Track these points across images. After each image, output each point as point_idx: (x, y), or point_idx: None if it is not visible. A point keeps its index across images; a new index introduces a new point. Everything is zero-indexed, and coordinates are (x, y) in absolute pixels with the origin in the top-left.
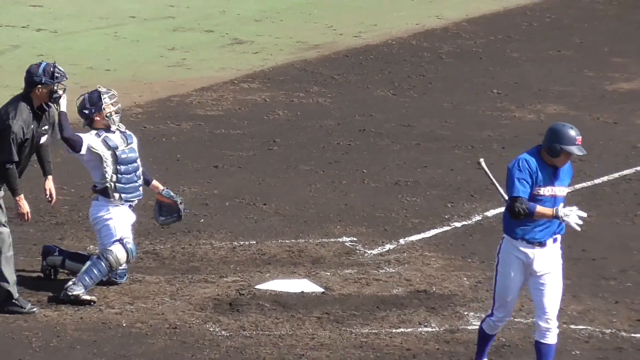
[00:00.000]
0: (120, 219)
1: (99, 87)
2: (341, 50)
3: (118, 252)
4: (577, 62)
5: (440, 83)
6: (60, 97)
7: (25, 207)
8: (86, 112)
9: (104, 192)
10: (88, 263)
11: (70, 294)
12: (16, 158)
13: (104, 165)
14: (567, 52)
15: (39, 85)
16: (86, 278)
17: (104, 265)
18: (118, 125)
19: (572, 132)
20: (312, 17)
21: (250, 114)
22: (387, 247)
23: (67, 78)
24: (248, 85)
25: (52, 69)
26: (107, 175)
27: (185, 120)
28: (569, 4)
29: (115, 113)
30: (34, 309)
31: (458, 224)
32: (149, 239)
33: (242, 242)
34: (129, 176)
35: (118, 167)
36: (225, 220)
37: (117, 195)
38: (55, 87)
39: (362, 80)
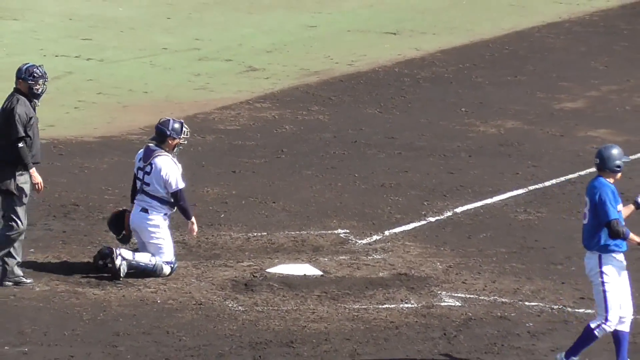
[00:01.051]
0: (170, 237)
1: (183, 122)
2: (337, 76)
3: (166, 271)
4: (530, 86)
5: (418, 103)
6: (40, 94)
7: (37, 177)
8: (167, 132)
9: (168, 209)
10: (144, 260)
11: (119, 265)
12: (22, 133)
13: None
14: (522, 77)
15: (20, 80)
16: (134, 265)
17: (151, 269)
18: (176, 154)
19: (617, 149)
20: (313, 49)
21: (262, 128)
22: (375, 237)
23: (46, 79)
24: (260, 104)
25: (32, 70)
26: None
27: (208, 133)
28: (524, 38)
29: (180, 147)
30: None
31: (432, 219)
32: (179, 231)
33: (255, 234)
34: None
35: None
36: (241, 216)
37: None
38: (33, 84)
39: (354, 101)
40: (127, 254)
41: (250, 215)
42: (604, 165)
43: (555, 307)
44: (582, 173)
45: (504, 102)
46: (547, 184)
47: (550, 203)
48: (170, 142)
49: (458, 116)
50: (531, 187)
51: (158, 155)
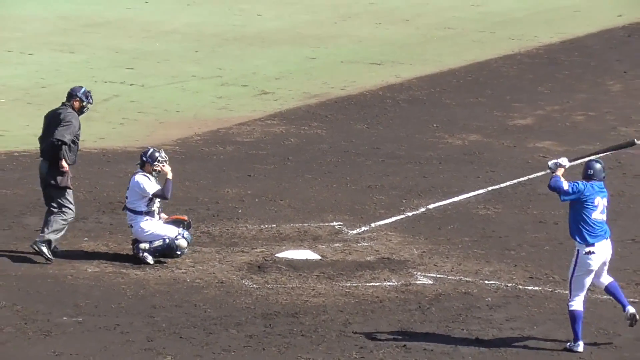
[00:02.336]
0: (160, 223)
1: (162, 151)
2: (332, 98)
3: (182, 244)
4: (489, 106)
5: (398, 120)
6: (85, 112)
7: (66, 166)
8: (144, 159)
9: (152, 213)
10: (159, 242)
11: (143, 256)
12: (67, 140)
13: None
14: (482, 99)
15: (77, 98)
16: (152, 250)
17: (167, 246)
18: (156, 176)
19: (600, 163)
20: (313, 76)
21: (272, 140)
22: (363, 228)
23: (91, 103)
24: (271, 121)
25: (88, 93)
26: (154, 202)
27: (228, 144)
28: (483, 67)
29: (159, 171)
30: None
31: (410, 214)
32: (205, 224)
33: (266, 226)
34: (159, 204)
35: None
36: (255, 211)
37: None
38: (84, 104)
39: (346, 118)
40: (144, 245)
41: (262, 211)
42: (597, 176)
43: (509, 285)
44: (530, 177)
45: (468, 119)
46: (502, 185)
47: (504, 201)
48: (148, 166)
49: (430, 130)
50: (489, 188)
51: (136, 173)
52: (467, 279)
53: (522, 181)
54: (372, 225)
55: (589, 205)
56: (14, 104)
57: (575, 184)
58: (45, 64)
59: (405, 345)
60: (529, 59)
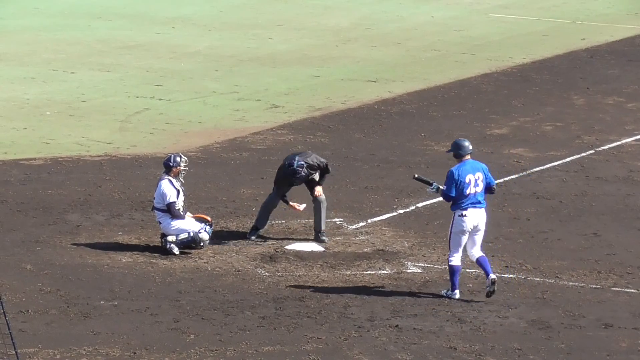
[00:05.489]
0: (184, 221)
1: (182, 154)
2: (334, 111)
3: (204, 237)
4: (470, 117)
5: (391, 130)
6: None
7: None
8: (170, 164)
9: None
10: (185, 235)
11: (170, 247)
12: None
13: (180, 199)
14: (464, 112)
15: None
16: (179, 242)
17: (192, 239)
18: (181, 179)
19: (466, 141)
20: (317, 92)
21: (282, 147)
22: (361, 224)
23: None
24: (280, 131)
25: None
26: (178, 202)
27: (244, 151)
28: (465, 85)
29: (183, 172)
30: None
31: (401, 211)
32: (223, 220)
33: (277, 221)
34: (183, 203)
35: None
36: None
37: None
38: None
39: (345, 129)
40: (171, 238)
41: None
42: (465, 152)
43: None
44: (506, 179)
45: (451, 129)
46: None
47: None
48: (174, 169)
49: (419, 139)
50: None
51: (162, 179)
52: None
53: (498, 183)
54: (369, 221)
55: (461, 184)
56: (58, 115)
57: (448, 179)
58: (85, 81)
59: (397, 325)
60: (504, 77)
